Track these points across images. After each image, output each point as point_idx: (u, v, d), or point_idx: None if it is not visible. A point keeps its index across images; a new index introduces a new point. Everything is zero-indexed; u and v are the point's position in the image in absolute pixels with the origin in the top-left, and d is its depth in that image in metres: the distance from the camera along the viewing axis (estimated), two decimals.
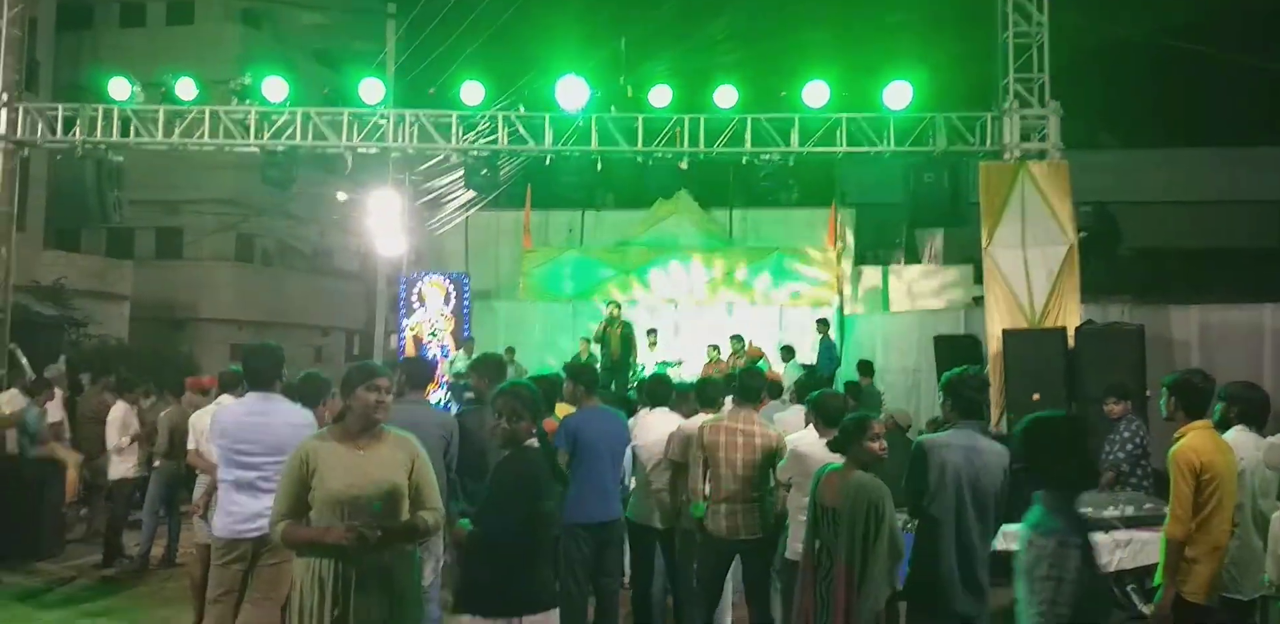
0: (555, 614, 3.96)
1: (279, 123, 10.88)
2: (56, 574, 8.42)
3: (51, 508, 9.21)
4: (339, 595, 3.68)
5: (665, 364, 14.30)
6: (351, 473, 3.75)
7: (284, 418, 5.07)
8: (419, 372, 5.90)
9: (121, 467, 8.65)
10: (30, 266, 15.88)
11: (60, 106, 11.16)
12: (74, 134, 10.89)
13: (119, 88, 10.76)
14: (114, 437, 8.63)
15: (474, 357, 13.81)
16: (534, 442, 4.08)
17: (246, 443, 4.96)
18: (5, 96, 10.86)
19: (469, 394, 7.69)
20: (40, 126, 11.01)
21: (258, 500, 4.94)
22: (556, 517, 4.18)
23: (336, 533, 3.63)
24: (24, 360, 11.07)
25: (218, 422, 5.21)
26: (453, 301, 16.22)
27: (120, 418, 8.77)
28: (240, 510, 5.00)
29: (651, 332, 14.79)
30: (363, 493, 3.73)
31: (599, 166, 11.05)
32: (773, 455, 5.57)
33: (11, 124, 10.89)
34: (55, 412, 10.08)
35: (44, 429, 9.56)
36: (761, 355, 13.74)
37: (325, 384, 5.63)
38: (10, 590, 7.79)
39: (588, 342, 14.52)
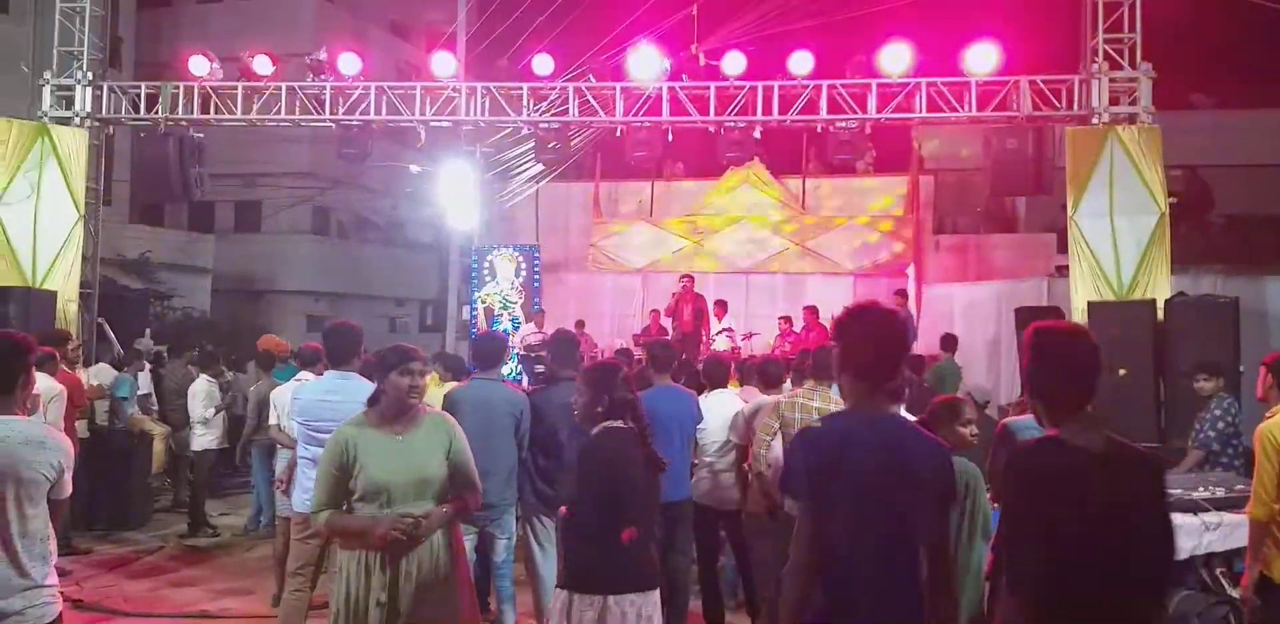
0: (654, 595, 3.90)
1: (354, 97, 10.95)
2: (143, 543, 8.72)
3: (139, 478, 9.52)
4: (386, 582, 3.68)
5: (735, 337, 14.15)
6: (391, 460, 3.74)
7: (360, 396, 5.11)
8: (488, 352, 5.86)
9: (204, 439, 8.88)
10: (116, 241, 16.35)
11: (143, 84, 11.37)
12: (156, 111, 11.09)
13: (198, 64, 10.93)
14: (197, 409, 8.85)
15: (543, 329, 14.00)
16: (616, 423, 4.00)
17: (323, 421, 5.02)
18: (90, 75, 11.10)
19: (539, 368, 7.72)
20: (124, 104, 11.23)
21: None
22: (652, 498, 4.12)
23: (380, 531, 3.62)
24: (111, 334, 11.41)
25: (297, 399, 5.31)
26: (523, 273, 16.29)
27: (204, 390, 9.00)
28: None
29: (720, 303, 14.68)
30: (403, 480, 3.73)
31: (669, 137, 10.93)
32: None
33: (96, 102, 11.13)
34: (143, 384, 10.39)
35: (143, 398, 9.89)
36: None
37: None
38: (99, 559, 8.08)
39: (659, 313, 14.48)
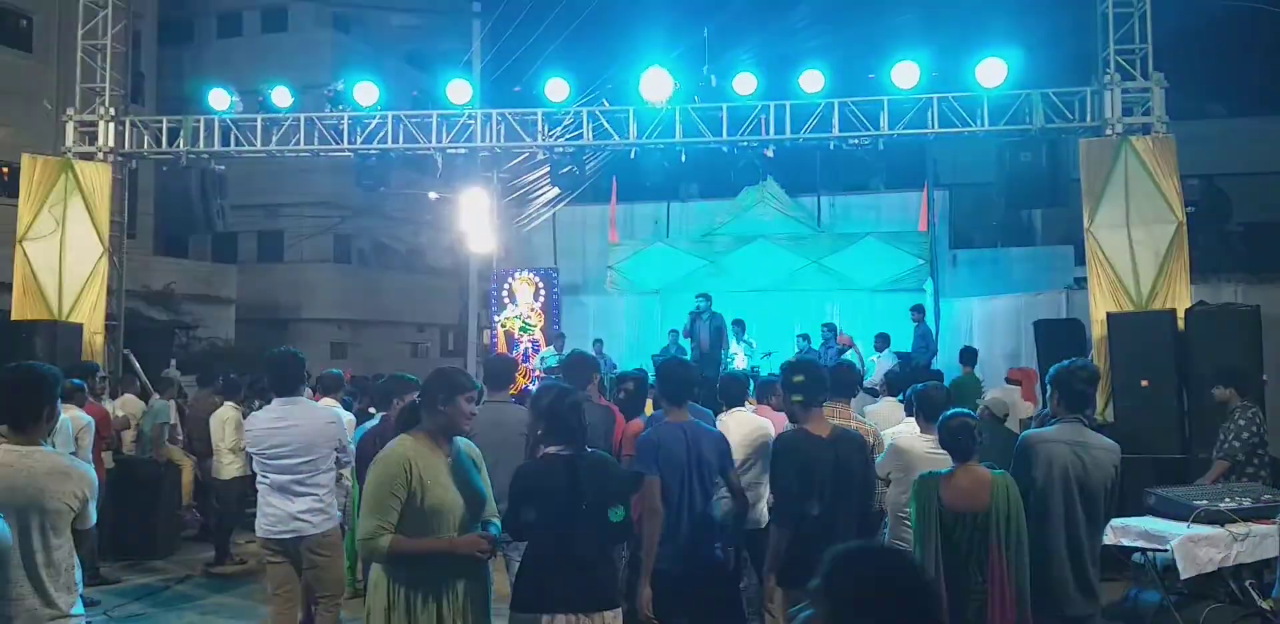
0: (603, 616, 3.88)
1: (371, 126, 11.10)
2: (172, 572, 8.77)
3: (166, 507, 9.58)
4: (430, 608, 3.65)
5: (753, 353, 14.15)
6: (449, 482, 3.71)
7: (309, 419, 5.31)
8: (499, 373, 5.92)
9: (231, 467, 8.92)
10: (141, 273, 16.56)
11: (164, 119, 11.57)
12: (178, 145, 11.28)
13: (218, 99, 11.12)
14: (219, 437, 8.90)
15: (562, 352, 14.03)
16: (556, 449, 3.96)
17: (275, 447, 5.21)
18: (114, 111, 11.30)
19: None
20: (146, 139, 11.44)
21: (292, 503, 5.23)
22: (582, 527, 3.87)
23: (467, 544, 3.59)
24: (137, 365, 11.54)
25: (248, 430, 5.44)
26: (542, 297, 16.37)
27: (229, 418, 9.06)
28: (276, 512, 5.27)
29: (738, 322, 14.69)
30: (459, 503, 3.71)
31: (683, 158, 11.00)
32: (868, 450, 5.45)
33: (119, 137, 11.33)
34: (170, 413, 10.48)
35: (170, 427, 9.97)
36: (851, 345, 13.51)
37: (409, 385, 5.73)
38: (128, 588, 8.14)
39: (676, 333, 14.50)
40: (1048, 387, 4.77)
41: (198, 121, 11.26)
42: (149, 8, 21.67)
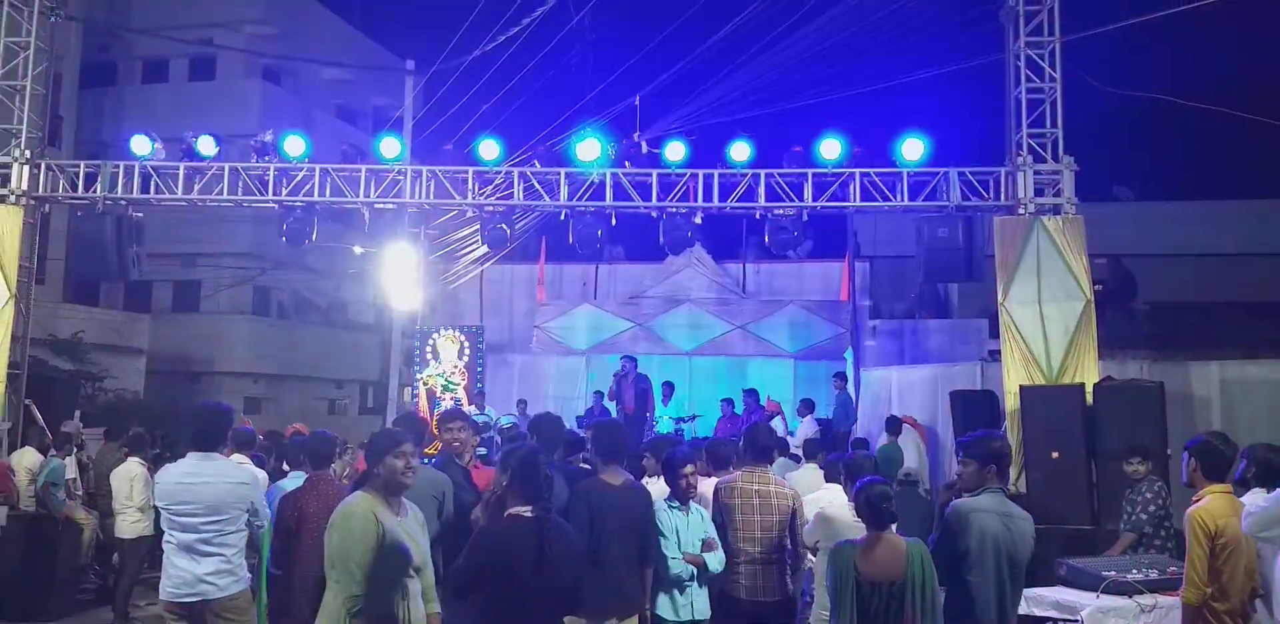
0: None
1: (298, 178, 11.00)
2: None
3: (64, 567, 9.12)
4: None
5: (679, 420, 14.21)
6: (407, 541, 3.73)
7: (223, 477, 5.11)
8: (407, 431, 5.79)
9: (136, 525, 8.55)
10: (48, 321, 16.00)
11: (82, 164, 11.31)
12: (94, 190, 11.02)
13: (140, 144, 10.93)
14: (124, 494, 8.55)
15: (484, 411, 13.87)
16: (523, 510, 3.91)
17: (183, 504, 5.00)
18: (29, 153, 11.03)
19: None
20: (62, 182, 11.15)
21: (198, 565, 4.99)
22: (543, 589, 3.82)
23: None
24: (39, 416, 11.06)
25: (157, 484, 5.24)
26: (467, 355, 16.21)
27: (136, 475, 8.70)
28: (180, 574, 5.03)
29: (667, 385, 14.71)
30: (415, 562, 3.72)
31: (613, 221, 11.11)
32: (791, 514, 5.49)
33: (33, 180, 11.03)
34: (70, 468, 10.04)
35: (68, 483, 9.53)
36: (779, 412, 13.63)
37: (332, 443, 5.61)
38: None
39: (601, 395, 14.46)
40: (960, 453, 4.86)
41: (117, 167, 11.02)
42: (71, 50, 21.35)
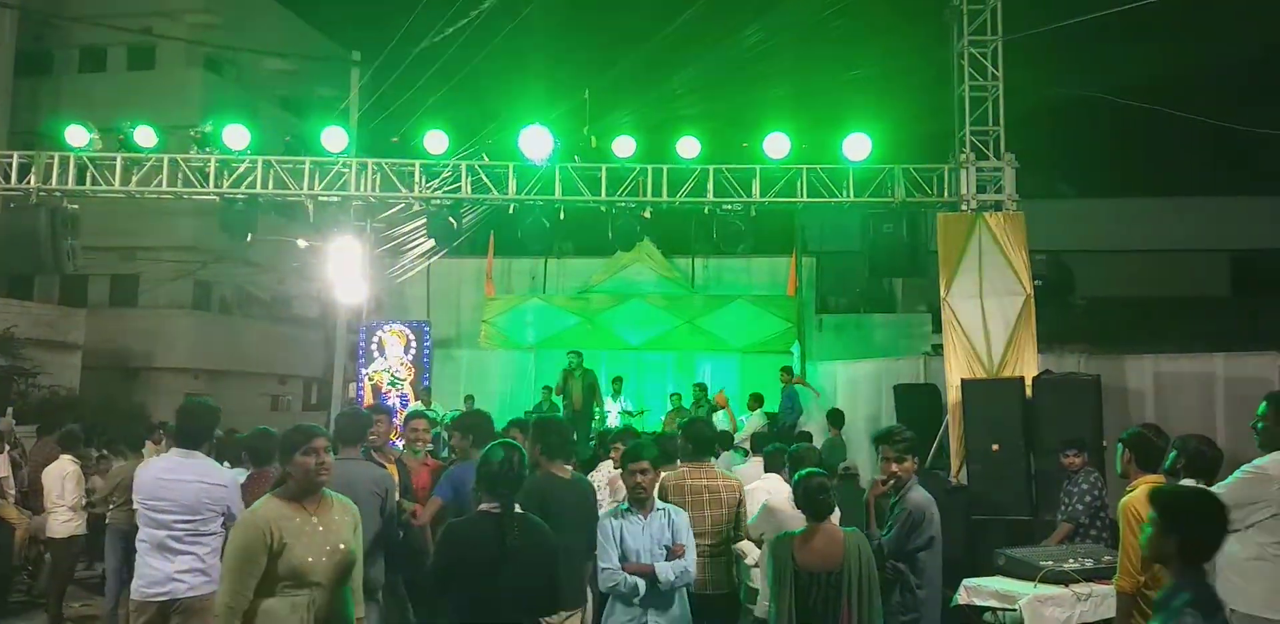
0: None
1: (239, 170, 10.81)
2: None
3: None
4: None
5: (628, 414, 14.23)
6: (314, 542, 3.64)
7: (200, 477, 5.01)
8: (349, 427, 5.64)
9: (68, 525, 8.35)
10: None
11: (15, 154, 11.02)
12: (28, 181, 10.74)
13: (76, 135, 10.67)
14: (56, 493, 8.34)
15: (430, 406, 13.77)
16: (492, 506, 3.93)
17: (159, 501, 4.91)
18: None
19: (452, 454, 7.54)
20: None
21: (170, 563, 4.90)
22: (505, 585, 3.83)
23: None
24: None
25: (137, 477, 5.14)
26: (413, 350, 16.07)
27: (69, 472, 8.51)
28: (153, 573, 4.93)
29: (617, 380, 14.73)
30: (325, 563, 3.62)
31: (562, 215, 11.08)
32: (737, 506, 5.53)
33: None
34: (2, 467, 9.78)
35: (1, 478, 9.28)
36: (725, 406, 13.71)
37: (273, 440, 5.52)
38: None
39: (550, 390, 14.43)
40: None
41: (51, 158, 10.76)
42: (5, 38, 20.76)
